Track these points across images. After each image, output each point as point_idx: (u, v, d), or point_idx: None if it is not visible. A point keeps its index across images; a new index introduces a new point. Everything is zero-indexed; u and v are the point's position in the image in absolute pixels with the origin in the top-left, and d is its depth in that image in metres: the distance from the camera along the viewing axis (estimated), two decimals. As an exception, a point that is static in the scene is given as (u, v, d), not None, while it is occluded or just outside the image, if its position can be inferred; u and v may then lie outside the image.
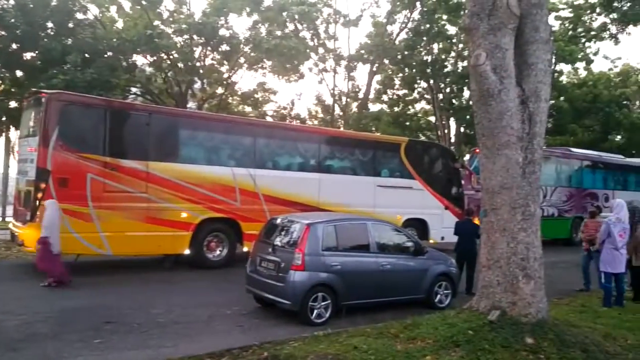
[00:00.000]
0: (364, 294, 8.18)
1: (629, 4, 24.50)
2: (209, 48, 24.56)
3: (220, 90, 27.79)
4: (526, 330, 5.91)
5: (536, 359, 5.54)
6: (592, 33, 31.61)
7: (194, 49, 24.10)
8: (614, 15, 26.55)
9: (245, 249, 11.80)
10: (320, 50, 29.78)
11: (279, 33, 24.88)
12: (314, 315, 7.64)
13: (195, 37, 23.55)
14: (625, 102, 39.12)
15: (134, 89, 25.00)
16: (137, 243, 10.82)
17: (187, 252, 11.51)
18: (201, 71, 25.00)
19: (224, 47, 24.53)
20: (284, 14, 25.46)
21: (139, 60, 23.69)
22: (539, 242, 6.48)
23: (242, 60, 26.08)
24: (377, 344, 5.88)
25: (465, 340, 5.69)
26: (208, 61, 25.51)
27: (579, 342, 6.01)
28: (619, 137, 39.31)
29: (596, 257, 10.37)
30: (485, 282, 6.55)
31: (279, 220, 8.69)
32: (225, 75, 26.90)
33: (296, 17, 26.04)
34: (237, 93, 29.67)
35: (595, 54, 34.72)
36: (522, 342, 5.73)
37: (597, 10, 28.43)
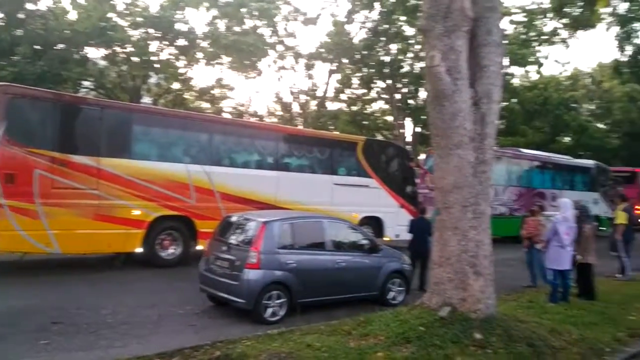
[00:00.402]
0: (319, 292, 8.21)
1: (578, 10, 25.43)
2: (165, 42, 24.06)
3: (176, 86, 27.30)
4: (475, 325, 6.06)
5: (484, 353, 5.69)
6: (544, 37, 32.69)
7: (150, 42, 23.57)
8: (565, 20, 27.54)
9: (199, 247, 11.63)
10: (279, 47, 29.66)
11: (237, 29, 24.68)
12: (268, 313, 7.61)
13: (151, 30, 23.03)
14: (573, 105, 40.65)
15: (86, 83, 24.21)
16: (87, 241, 10.49)
17: (139, 250, 11.24)
18: (157, 66, 24.45)
19: (181, 42, 24.10)
20: (243, 10, 25.24)
21: (92, 53, 23.02)
22: (488, 240, 6.65)
23: (199, 55, 25.70)
24: (330, 342, 5.90)
25: (416, 336, 5.79)
26: (164, 55, 24.96)
27: (525, 337, 6.22)
28: (567, 138, 40.86)
29: (535, 253, 10.84)
30: (437, 279, 6.68)
31: (234, 218, 8.62)
32: (182, 71, 26.44)
33: (255, 13, 25.85)
34: (193, 88, 29.21)
35: (546, 57, 35.93)
36: (471, 337, 5.88)
37: (549, 14, 29.42)
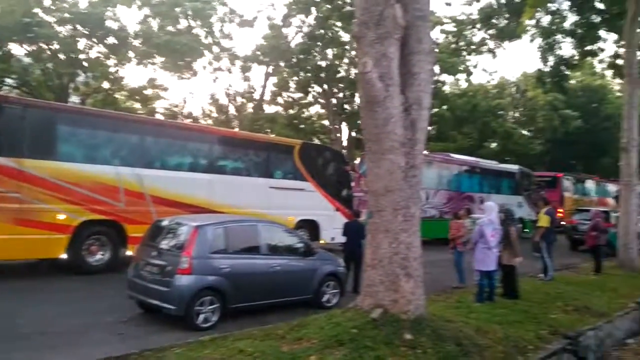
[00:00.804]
0: (254, 296, 8.14)
1: (505, 22, 26.73)
2: (94, 40, 23.12)
3: (106, 85, 26.30)
4: (406, 326, 6.19)
5: (414, 353, 5.82)
6: (473, 47, 34.13)
7: (78, 40, 22.58)
8: (492, 31, 28.87)
9: (129, 252, 11.23)
10: (215, 48, 29.28)
11: (171, 28, 24.10)
12: (200, 319, 7.46)
13: (79, 27, 22.07)
14: (500, 112, 42.64)
15: (9, 80, 22.91)
16: (6, 247, 9.85)
17: (63, 256, 10.71)
18: (85, 64, 23.46)
19: (111, 40, 23.25)
20: (177, 9, 24.72)
21: (16, 49, 21.80)
22: (418, 242, 6.82)
23: (131, 54, 24.90)
24: (264, 346, 5.86)
25: (349, 338, 5.84)
26: (93, 54, 24.00)
27: (453, 337, 6.42)
28: (494, 144, 42.76)
29: (457, 254, 11.34)
30: (370, 281, 6.78)
31: (165, 223, 8.39)
32: (112, 70, 25.50)
33: (190, 13, 25.41)
34: (125, 88, 28.25)
35: (475, 66, 37.45)
36: (401, 338, 6.00)
37: (478, 25, 30.73)
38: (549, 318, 8.89)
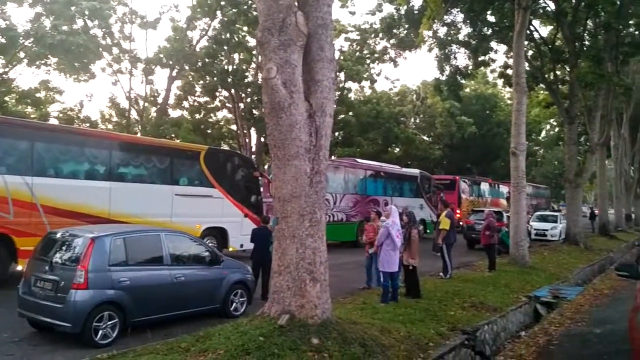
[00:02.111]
0: (157, 309, 7.82)
1: (405, 32, 27.93)
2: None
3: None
4: (312, 331, 6.24)
5: (321, 357, 5.89)
6: (376, 55, 35.34)
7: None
8: (393, 41, 30.05)
9: (20, 267, 10.40)
10: (115, 50, 28.03)
11: (65, 28, 22.70)
12: (98, 336, 7.04)
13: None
14: (402, 119, 44.50)
15: None
16: None
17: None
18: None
19: (-1, 39, 21.54)
20: (73, 8, 23.35)
21: None
22: (324, 247, 6.92)
23: (21, 54, 23.17)
24: (167, 361, 5.66)
25: (255, 347, 5.79)
26: (-23, 53, 22.14)
27: (358, 338, 6.57)
28: (397, 149, 44.50)
29: (375, 257, 11.54)
30: (277, 287, 6.77)
31: (58, 235, 7.84)
32: (0, 71, 23.59)
33: (86, 12, 24.10)
34: (14, 91, 26.23)
35: (379, 74, 38.86)
36: (308, 343, 6.04)
37: (380, 35, 31.88)
38: (448, 315, 9.35)
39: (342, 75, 34.95)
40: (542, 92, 31.36)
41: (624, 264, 6.72)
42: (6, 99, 26.37)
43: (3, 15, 21.37)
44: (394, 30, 28.43)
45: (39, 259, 7.60)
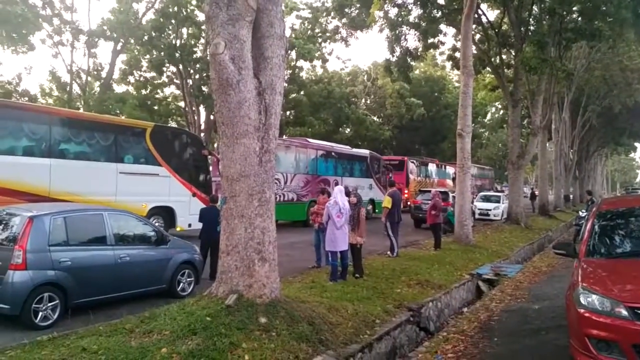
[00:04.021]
0: (100, 290, 7.60)
1: (356, 11, 27.87)
2: None
3: None
4: (260, 310, 6.23)
5: (269, 336, 5.89)
6: (328, 34, 35.14)
7: None
8: (345, 20, 29.95)
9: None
10: (56, 21, 26.64)
11: (0, -4, 21.39)
12: (38, 318, 6.79)
13: None
14: (353, 99, 44.70)
15: None
16: None
17: None
18: None
19: None
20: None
21: None
22: (273, 227, 6.88)
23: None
24: (110, 343, 5.51)
25: (202, 327, 5.72)
26: None
27: (306, 317, 6.61)
28: (348, 129, 44.75)
29: (316, 235, 11.63)
30: (224, 267, 6.69)
31: (-7, 214, 7.47)
32: None
33: (24, -20, 22.76)
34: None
35: (330, 53, 38.76)
36: (256, 322, 6.03)
37: (332, 14, 31.67)
38: (394, 292, 9.55)
39: (293, 54, 34.62)
40: (488, 75, 32.18)
41: (562, 242, 7.02)
42: None
43: None
44: (346, 10, 28.34)
45: (-29, 239, 7.21)
